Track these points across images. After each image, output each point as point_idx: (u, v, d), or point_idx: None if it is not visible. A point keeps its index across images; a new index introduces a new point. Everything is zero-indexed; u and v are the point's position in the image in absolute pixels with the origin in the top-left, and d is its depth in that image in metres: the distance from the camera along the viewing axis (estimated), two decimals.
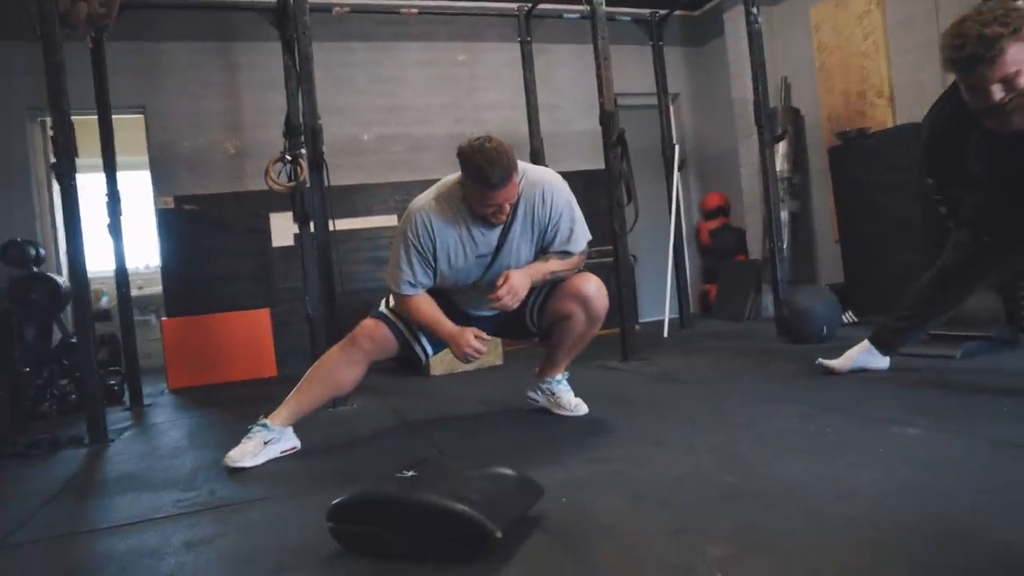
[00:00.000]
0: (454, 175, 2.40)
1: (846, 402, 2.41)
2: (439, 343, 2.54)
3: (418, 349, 2.55)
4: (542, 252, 2.51)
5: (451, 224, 2.38)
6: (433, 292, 2.50)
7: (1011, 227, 2.26)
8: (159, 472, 2.40)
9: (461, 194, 2.36)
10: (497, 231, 2.41)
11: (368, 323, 2.51)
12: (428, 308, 2.46)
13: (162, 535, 1.70)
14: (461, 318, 2.54)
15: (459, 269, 2.44)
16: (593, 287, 2.54)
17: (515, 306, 2.39)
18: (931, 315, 2.73)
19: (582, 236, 2.54)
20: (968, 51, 1.84)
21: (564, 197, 2.48)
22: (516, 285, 2.35)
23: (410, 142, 5.79)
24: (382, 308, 2.57)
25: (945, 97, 2.20)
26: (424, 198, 2.44)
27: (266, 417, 2.41)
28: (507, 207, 2.32)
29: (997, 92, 1.85)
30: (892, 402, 2.37)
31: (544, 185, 2.43)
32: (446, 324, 2.43)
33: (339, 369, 2.48)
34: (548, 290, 2.56)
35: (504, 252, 2.44)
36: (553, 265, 2.49)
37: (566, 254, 2.52)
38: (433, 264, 2.41)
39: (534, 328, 2.65)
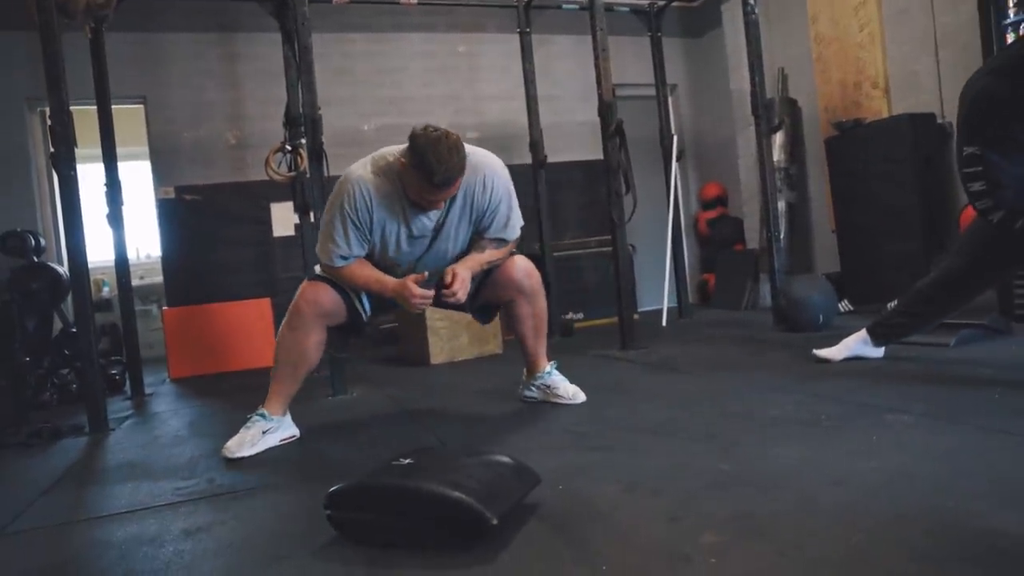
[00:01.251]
0: (394, 148, 2.34)
1: (841, 390, 2.42)
2: (379, 304, 2.51)
3: (358, 305, 2.49)
4: (477, 236, 2.51)
5: (389, 200, 2.32)
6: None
7: None
8: (159, 461, 2.41)
9: (399, 172, 2.28)
10: (433, 216, 2.36)
11: (306, 287, 2.44)
12: (366, 271, 2.41)
13: (161, 523, 1.71)
14: None
15: (394, 247, 2.40)
16: (521, 272, 2.59)
17: (459, 301, 2.43)
18: (931, 316, 2.75)
19: (517, 223, 2.55)
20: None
21: (504, 184, 2.46)
22: (466, 280, 2.39)
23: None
24: (317, 270, 2.51)
25: (990, 68, 2.26)
26: (362, 169, 2.35)
27: (263, 406, 2.42)
28: (442, 204, 2.30)
29: None
30: (887, 390, 2.38)
31: (485, 171, 2.41)
32: (388, 281, 2.38)
33: (295, 343, 2.42)
34: (482, 277, 2.58)
35: (442, 236, 2.43)
36: (489, 256, 2.51)
37: (501, 241, 2.52)
38: (369, 238, 2.36)
39: (469, 308, 2.68)
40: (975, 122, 2.26)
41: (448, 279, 2.38)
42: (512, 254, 2.61)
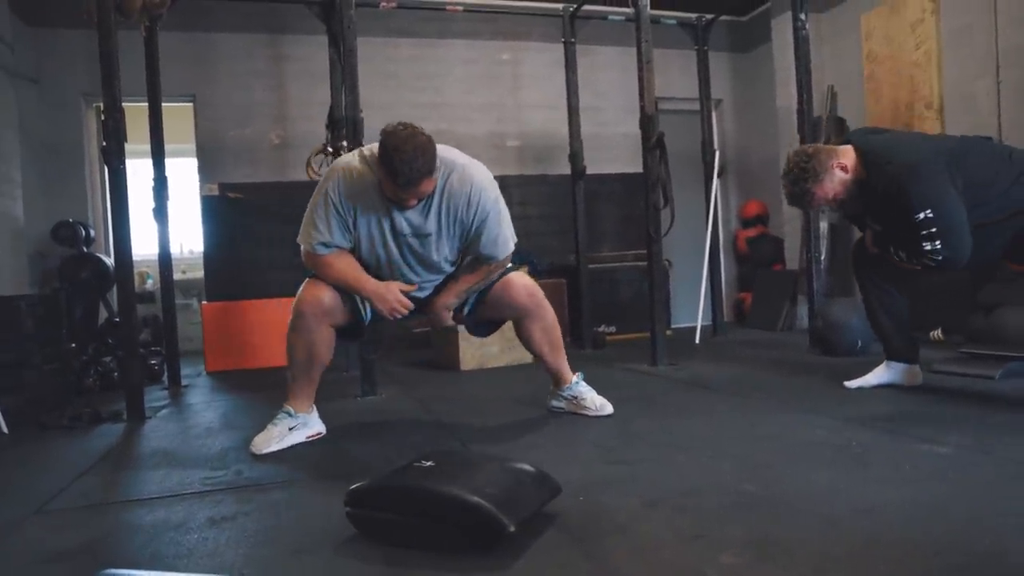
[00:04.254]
0: None
1: (875, 417, 2.37)
2: (370, 310, 2.47)
3: (359, 305, 2.46)
4: (467, 253, 2.47)
5: (373, 190, 2.28)
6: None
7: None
8: (190, 450, 2.47)
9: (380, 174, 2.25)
10: (413, 214, 2.31)
11: (306, 287, 2.40)
12: (345, 265, 2.35)
13: (188, 510, 1.75)
14: None
15: (380, 243, 2.35)
16: (522, 293, 2.57)
17: (447, 321, 2.56)
18: (883, 299, 2.85)
19: (508, 240, 2.46)
20: (794, 201, 2.75)
21: (491, 199, 2.38)
22: (438, 322, 2.57)
23: (452, 139, 5.69)
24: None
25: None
26: (351, 159, 2.34)
27: (288, 404, 2.45)
28: (413, 201, 2.24)
29: (832, 204, 2.71)
30: (923, 419, 2.32)
31: (472, 185, 2.34)
32: (367, 280, 2.34)
33: (302, 344, 2.38)
34: (478, 298, 2.59)
35: (427, 245, 2.37)
36: (477, 276, 2.51)
37: (489, 258, 2.46)
38: (351, 229, 2.32)
39: (465, 323, 2.71)
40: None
41: (428, 310, 2.48)
42: (507, 271, 2.59)
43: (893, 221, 2.57)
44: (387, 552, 1.40)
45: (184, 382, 4.23)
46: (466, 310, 2.64)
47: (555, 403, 2.77)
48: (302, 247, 2.39)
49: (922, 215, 2.39)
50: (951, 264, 2.45)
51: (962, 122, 4.54)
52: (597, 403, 2.67)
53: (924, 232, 2.41)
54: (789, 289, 5.67)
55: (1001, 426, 2.20)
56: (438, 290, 2.53)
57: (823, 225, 5.21)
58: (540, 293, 2.62)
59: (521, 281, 2.58)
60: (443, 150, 2.30)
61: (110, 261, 4.66)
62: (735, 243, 6.73)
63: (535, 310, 2.59)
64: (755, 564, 1.26)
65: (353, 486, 1.50)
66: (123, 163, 3.13)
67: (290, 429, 2.40)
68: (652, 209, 3.90)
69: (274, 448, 2.33)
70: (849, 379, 2.95)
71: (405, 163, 2.09)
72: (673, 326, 5.81)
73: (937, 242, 2.40)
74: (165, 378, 4.30)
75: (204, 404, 3.55)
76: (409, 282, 2.43)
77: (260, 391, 3.80)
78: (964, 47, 4.56)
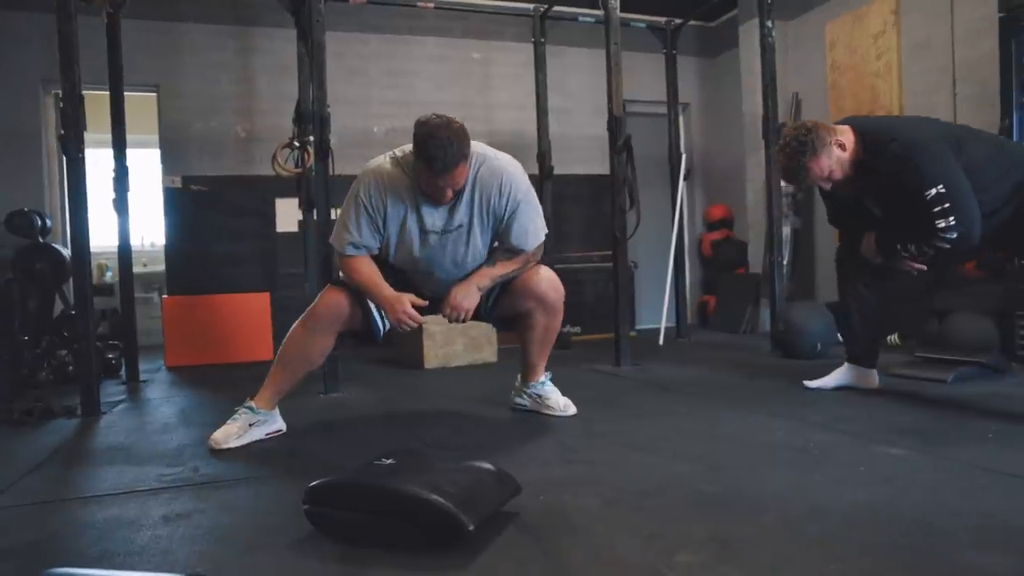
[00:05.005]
0: None
1: (832, 419, 2.42)
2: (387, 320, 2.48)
3: (376, 318, 2.47)
4: (498, 243, 2.50)
5: (403, 190, 2.33)
6: (387, 269, 2.46)
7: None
8: (146, 446, 2.42)
9: (412, 163, 2.30)
10: (445, 210, 2.36)
11: (326, 292, 2.45)
12: (368, 270, 2.40)
13: (142, 507, 1.72)
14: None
15: (407, 242, 2.39)
16: (545, 283, 2.55)
17: (465, 318, 2.46)
18: (856, 303, 2.89)
19: (538, 232, 2.49)
20: (789, 176, 2.65)
21: (523, 190, 2.42)
22: (456, 303, 2.42)
23: None
24: (341, 275, 2.52)
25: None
26: (381, 160, 2.40)
27: (252, 399, 2.43)
28: (449, 192, 2.28)
29: (824, 184, 2.62)
30: (878, 422, 2.37)
31: (504, 175, 2.38)
32: (384, 288, 2.37)
33: (304, 344, 2.44)
34: (501, 287, 2.56)
35: (457, 239, 2.40)
36: (501, 268, 2.49)
37: (518, 251, 2.48)
38: (382, 230, 2.37)
39: (486, 317, 2.67)
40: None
41: (450, 295, 2.41)
42: (534, 264, 2.57)
43: (898, 202, 2.52)
44: (345, 550, 1.39)
45: (143, 377, 4.14)
46: (489, 303, 2.59)
47: (519, 400, 2.78)
48: (335, 248, 2.44)
49: (934, 191, 2.34)
50: (966, 240, 2.39)
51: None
52: (561, 403, 2.69)
53: (937, 209, 2.35)
54: (752, 292, 5.76)
55: (951, 429, 2.26)
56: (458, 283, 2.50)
57: (786, 230, 5.30)
58: (562, 292, 2.60)
59: (548, 274, 2.58)
60: (472, 144, 2.32)
61: (67, 252, 4.54)
62: (700, 246, 6.82)
63: (553, 305, 2.58)
64: (712, 563, 1.28)
65: (312, 483, 1.48)
66: (82, 152, 3.05)
67: (250, 425, 2.37)
68: (618, 211, 3.93)
69: (233, 444, 2.30)
70: (809, 380, 3.00)
71: (440, 147, 2.13)
72: (637, 327, 5.87)
73: (951, 218, 2.34)
74: (123, 373, 4.21)
75: (162, 399, 3.48)
76: (439, 281, 2.46)
77: (220, 387, 3.75)
78: (924, 60, 4.68)
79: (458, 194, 2.34)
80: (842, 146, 2.53)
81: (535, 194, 2.50)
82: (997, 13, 4.04)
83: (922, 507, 1.53)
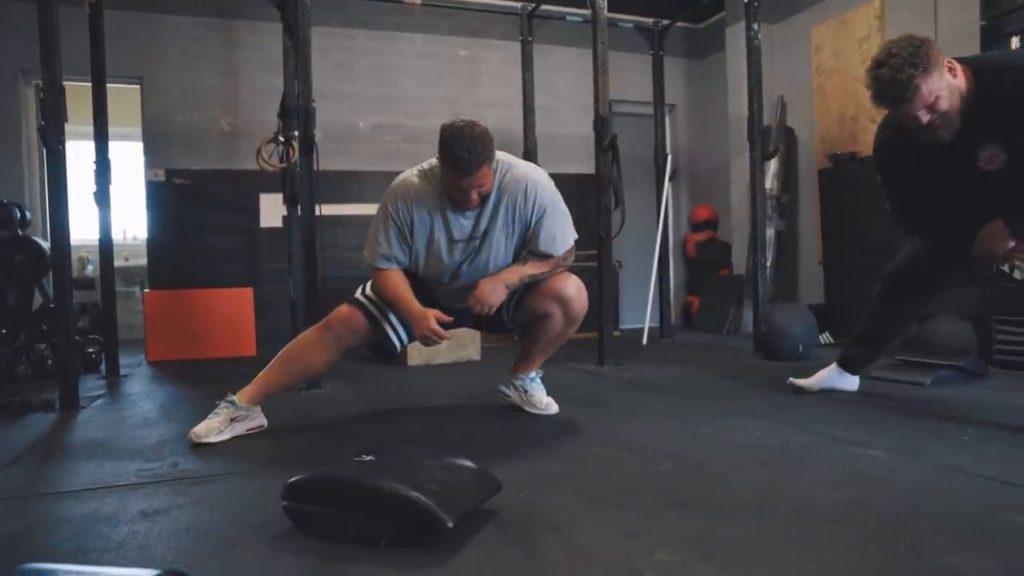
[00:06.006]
0: None
1: (812, 421, 2.44)
2: (410, 328, 2.51)
3: (393, 337, 2.52)
4: (525, 249, 2.51)
5: (430, 201, 2.39)
6: (416, 281, 2.49)
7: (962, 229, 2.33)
8: (125, 441, 2.39)
9: (439, 173, 2.36)
10: (471, 218, 2.40)
11: (343, 309, 2.50)
12: (399, 284, 2.43)
13: (120, 502, 1.70)
14: (439, 308, 2.54)
15: (435, 252, 2.43)
16: (573, 289, 2.55)
17: (490, 312, 2.43)
18: (889, 333, 2.82)
19: (566, 238, 2.52)
20: (891, 93, 2.10)
21: (549, 195, 2.46)
22: (482, 296, 2.40)
23: (406, 133, 5.78)
24: (358, 294, 2.55)
25: (882, 129, 2.44)
26: (408, 173, 2.46)
27: (234, 394, 2.41)
28: (474, 195, 2.31)
29: (924, 116, 2.11)
30: (857, 424, 2.39)
31: (528, 182, 2.42)
32: (412, 303, 2.40)
33: (311, 352, 2.49)
34: (526, 288, 2.56)
35: (484, 246, 2.44)
36: (531, 269, 2.49)
37: (547, 256, 2.50)
38: (410, 240, 2.42)
39: (510, 324, 2.66)
40: (886, 188, 2.61)
41: (478, 288, 2.41)
42: (563, 270, 2.58)
43: None
44: (323, 547, 1.39)
45: (123, 371, 4.10)
46: (512, 304, 2.58)
47: (505, 389, 2.79)
48: (367, 260, 2.48)
49: None
50: None
51: None
52: (544, 402, 2.70)
53: None
54: (736, 293, 5.79)
55: (929, 432, 2.28)
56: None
57: (770, 232, 5.33)
58: (586, 301, 2.60)
59: (577, 282, 2.58)
60: (497, 153, 2.37)
61: (47, 245, 4.49)
62: (684, 247, 6.84)
63: (575, 313, 2.57)
64: (691, 562, 1.28)
65: (291, 480, 1.47)
66: (62, 144, 3.01)
67: (232, 420, 2.36)
68: (603, 210, 3.94)
69: (214, 439, 2.29)
70: (795, 377, 2.99)
71: (465, 148, 2.17)
72: (621, 327, 5.88)
73: None
74: (103, 367, 4.17)
75: (142, 394, 3.45)
76: (466, 290, 2.46)
77: (202, 382, 3.72)
78: None
79: (484, 202, 2.37)
80: (953, 71, 2.10)
81: (562, 200, 2.52)
82: (979, 21, 4.09)
83: (899, 508, 1.55)
